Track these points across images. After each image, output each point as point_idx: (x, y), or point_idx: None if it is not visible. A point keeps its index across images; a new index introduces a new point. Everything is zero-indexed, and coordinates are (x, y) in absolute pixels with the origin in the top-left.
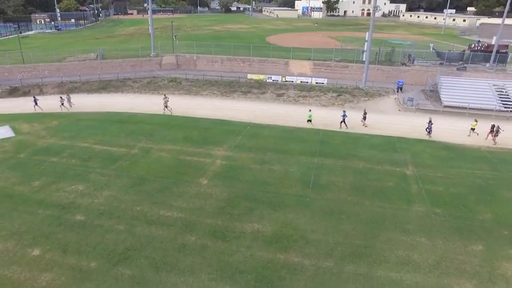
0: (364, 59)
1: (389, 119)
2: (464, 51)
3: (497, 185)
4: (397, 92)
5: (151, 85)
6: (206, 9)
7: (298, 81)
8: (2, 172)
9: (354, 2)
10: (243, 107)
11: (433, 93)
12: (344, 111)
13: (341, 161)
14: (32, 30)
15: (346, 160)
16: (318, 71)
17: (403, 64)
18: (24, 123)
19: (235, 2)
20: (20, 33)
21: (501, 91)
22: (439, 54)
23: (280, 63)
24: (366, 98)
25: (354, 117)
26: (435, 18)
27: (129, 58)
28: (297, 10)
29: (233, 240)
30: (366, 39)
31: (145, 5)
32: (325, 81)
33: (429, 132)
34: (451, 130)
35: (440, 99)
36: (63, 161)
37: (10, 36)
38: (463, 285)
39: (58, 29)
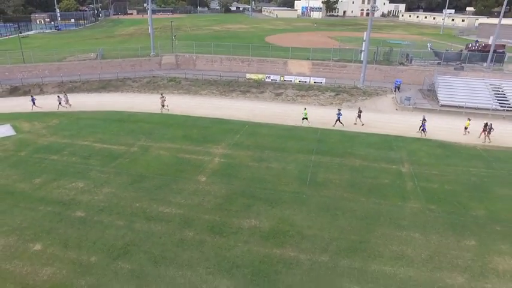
0: (362, 59)
1: (387, 118)
2: (461, 51)
3: (491, 182)
4: (395, 91)
5: (150, 84)
6: (206, 9)
7: (297, 81)
8: (3, 170)
9: (353, 2)
10: (242, 106)
11: (431, 93)
12: (339, 110)
13: (338, 159)
14: (31, 30)
15: (343, 158)
16: (316, 71)
17: (401, 64)
18: (25, 122)
19: (235, 2)
20: (20, 33)
21: (498, 90)
22: (437, 54)
23: (279, 63)
24: (364, 97)
25: (351, 116)
26: (434, 18)
27: (128, 58)
28: (296, 10)
29: (231, 236)
30: (364, 39)
31: (145, 5)
32: (323, 80)
33: (423, 130)
34: (448, 129)
35: (438, 98)
36: (64, 159)
37: (10, 36)
38: (455, 279)
39: (58, 29)
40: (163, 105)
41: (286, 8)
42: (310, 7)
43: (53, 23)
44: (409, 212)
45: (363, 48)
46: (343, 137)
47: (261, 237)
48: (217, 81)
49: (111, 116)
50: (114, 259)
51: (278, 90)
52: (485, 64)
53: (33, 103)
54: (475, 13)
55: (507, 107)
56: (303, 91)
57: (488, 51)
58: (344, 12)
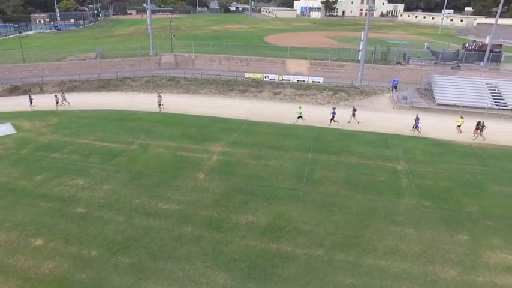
0: (359, 58)
1: (384, 117)
2: (458, 50)
3: (485, 179)
4: (392, 90)
5: (150, 84)
6: (205, 9)
7: (295, 80)
8: (4, 167)
9: (352, 2)
10: (241, 105)
11: (428, 92)
12: (333, 109)
13: (334, 157)
14: (31, 30)
15: (339, 156)
16: (314, 70)
17: (399, 63)
18: (25, 121)
19: (234, 2)
20: (20, 33)
21: (494, 89)
22: (434, 54)
23: (278, 63)
24: (361, 97)
25: (347, 115)
26: (433, 18)
27: (128, 57)
28: (295, 10)
29: (228, 231)
30: (362, 38)
31: (144, 5)
32: (321, 80)
33: (417, 128)
34: (444, 127)
35: (434, 97)
36: (64, 157)
37: (10, 36)
38: (447, 273)
39: (57, 29)
40: (159, 104)
41: (285, 8)
42: (309, 7)
43: (52, 23)
44: (403, 208)
45: (361, 48)
46: (340, 136)
47: (258, 232)
48: (216, 81)
49: (110, 115)
50: (114, 253)
51: (276, 90)
52: (482, 63)
53: (31, 102)
54: (474, 13)
55: (503, 106)
56: (301, 90)
57: (485, 51)
58: (343, 12)
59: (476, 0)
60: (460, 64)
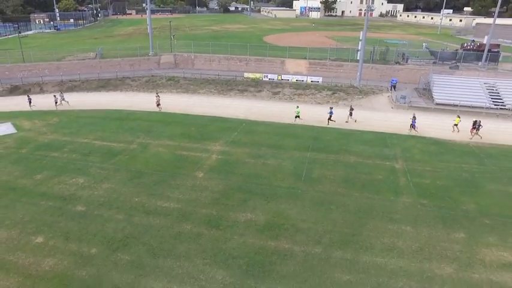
0: (358, 58)
1: (382, 116)
2: (457, 50)
3: (482, 178)
4: (391, 90)
5: (149, 84)
6: (205, 9)
7: (294, 80)
8: (5, 166)
9: (351, 2)
10: (240, 104)
11: (426, 91)
12: (331, 108)
13: (333, 156)
14: (31, 30)
15: (338, 155)
16: (313, 70)
17: (397, 63)
18: (26, 120)
19: (234, 2)
20: (19, 33)
21: (492, 89)
22: (433, 53)
23: (277, 62)
24: (360, 96)
25: (346, 115)
26: (432, 18)
27: (127, 57)
28: (295, 10)
29: (227, 229)
30: (360, 38)
31: (143, 5)
32: (320, 79)
33: (413, 127)
34: (442, 127)
35: (433, 97)
36: (64, 156)
37: (9, 36)
38: (444, 269)
39: (57, 29)
40: (158, 104)
41: (284, 8)
42: (309, 7)
43: (52, 23)
44: (401, 206)
45: (359, 48)
46: (338, 135)
47: (256, 230)
48: (216, 80)
49: (110, 114)
50: (114, 251)
51: (275, 89)
52: (480, 63)
53: (30, 102)
54: (473, 13)
55: (501, 106)
56: (300, 90)
57: (483, 51)
58: (342, 12)
59: (475, 0)
60: (458, 64)
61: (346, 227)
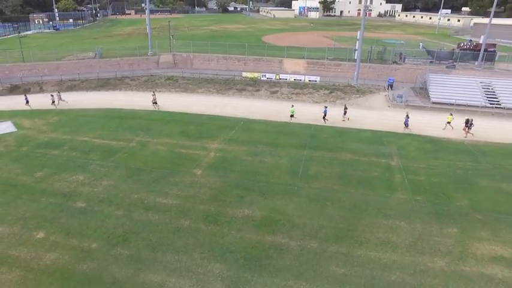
0: (356, 58)
1: (379, 115)
2: (453, 50)
3: (475, 175)
4: (388, 89)
5: (148, 83)
6: (204, 9)
7: (292, 79)
8: (5, 164)
9: (350, 2)
10: (238, 103)
11: (423, 90)
12: (325, 107)
13: (329, 153)
14: (30, 30)
15: (334, 152)
16: (311, 69)
17: (394, 62)
18: (26, 119)
19: (233, 2)
20: (19, 33)
21: (487, 88)
22: (429, 53)
23: (275, 62)
24: (357, 95)
25: (347, 113)
26: (430, 18)
27: (127, 57)
28: (293, 10)
29: (224, 224)
30: (358, 38)
31: (143, 5)
32: (318, 79)
33: (406, 126)
34: (438, 125)
35: (429, 96)
36: (64, 154)
37: (9, 36)
38: (436, 263)
39: (56, 29)
40: (155, 102)
41: (283, 8)
42: (308, 7)
43: (51, 22)
44: (395, 203)
45: (357, 47)
46: (335, 133)
47: (253, 225)
48: (214, 80)
49: (109, 113)
50: (114, 245)
51: (273, 89)
52: (476, 63)
53: (27, 101)
54: (471, 13)
55: (496, 104)
56: (298, 89)
57: (480, 50)
58: (341, 12)
59: (473, 0)
60: (455, 63)
61: (341, 223)
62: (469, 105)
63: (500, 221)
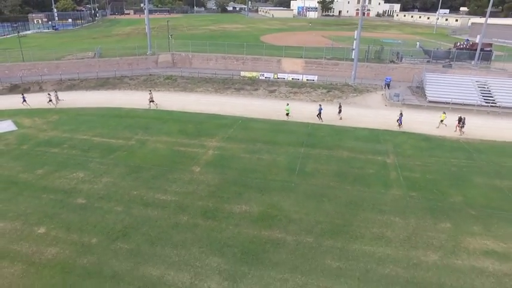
0: (353, 57)
1: (376, 113)
2: (450, 49)
3: (470, 171)
4: (385, 88)
5: (147, 82)
6: (202, 9)
7: (290, 78)
8: (6, 162)
9: (348, 2)
10: (236, 102)
11: (419, 89)
12: (320, 105)
13: (326, 151)
14: (29, 30)
15: (331, 150)
16: (309, 69)
17: (392, 62)
18: (26, 118)
19: (232, 2)
20: (18, 32)
21: (483, 87)
22: (426, 52)
23: (273, 61)
24: (355, 94)
25: (344, 112)
26: (428, 18)
27: (126, 56)
28: (292, 10)
29: (222, 220)
30: (355, 37)
31: (142, 5)
32: (315, 78)
33: (399, 124)
34: (433, 123)
35: (425, 94)
36: (64, 152)
37: (8, 36)
38: (429, 257)
39: (55, 29)
40: (152, 101)
41: (282, 8)
42: (306, 7)
43: (50, 22)
44: (391, 199)
45: (354, 47)
46: (332, 131)
47: (250, 220)
48: (213, 79)
49: (109, 112)
50: (114, 240)
51: (271, 88)
52: (473, 62)
53: (24, 100)
54: (469, 13)
55: (491, 103)
56: (296, 88)
57: (476, 50)
58: (339, 12)
59: (471, 0)
60: (451, 63)
61: (337, 218)
62: (465, 104)
63: (493, 216)
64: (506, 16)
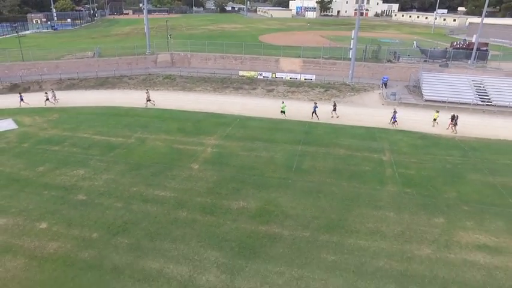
0: (351, 57)
1: (373, 112)
2: (447, 48)
3: (464, 168)
4: (382, 87)
5: (146, 82)
6: (201, 9)
7: (288, 78)
8: (8, 160)
9: (347, 2)
10: (235, 101)
11: (416, 89)
12: (315, 103)
13: (323, 149)
14: (28, 30)
15: (328, 148)
16: (307, 68)
17: (389, 61)
18: (26, 117)
19: (230, 2)
20: (17, 32)
21: (479, 86)
22: (423, 52)
23: (271, 61)
24: (352, 93)
25: (338, 111)
26: (426, 18)
27: (125, 56)
28: (291, 10)
29: (220, 215)
30: (352, 37)
31: (140, 5)
32: (313, 77)
33: (394, 122)
34: (430, 122)
35: (422, 93)
36: (65, 150)
37: (7, 36)
38: (423, 250)
39: (54, 29)
40: (149, 100)
41: (280, 8)
42: (305, 7)
43: (49, 22)
44: (386, 195)
45: (351, 46)
46: (329, 129)
47: (248, 216)
48: (211, 78)
49: (108, 111)
50: (114, 235)
51: (270, 87)
52: (469, 61)
53: (21, 99)
54: (467, 13)
55: (487, 102)
56: (294, 87)
57: (472, 49)
58: (338, 12)
59: (469, 0)
60: (448, 62)
61: (333, 213)
62: (461, 103)
63: (486, 211)
64: (503, 16)
